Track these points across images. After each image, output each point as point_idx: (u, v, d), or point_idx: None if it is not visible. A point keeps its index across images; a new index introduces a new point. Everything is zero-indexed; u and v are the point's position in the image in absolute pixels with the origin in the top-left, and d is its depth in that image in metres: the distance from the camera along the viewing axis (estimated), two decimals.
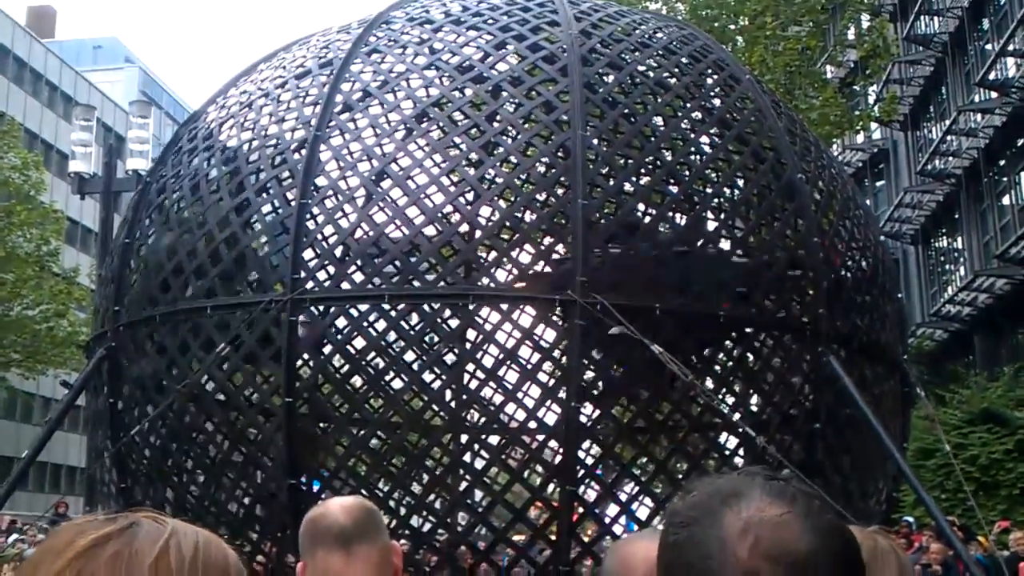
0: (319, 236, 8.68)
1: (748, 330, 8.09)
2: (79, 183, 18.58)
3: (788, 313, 8.22)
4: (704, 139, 9.09)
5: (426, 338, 11.09)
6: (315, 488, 8.26)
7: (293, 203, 7.47)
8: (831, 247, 8.04)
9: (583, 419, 8.67)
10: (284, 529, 7.37)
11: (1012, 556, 12.28)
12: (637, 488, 8.35)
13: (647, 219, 9.29)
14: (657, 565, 1.22)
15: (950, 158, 30.66)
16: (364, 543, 2.47)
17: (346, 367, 9.37)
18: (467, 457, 10.52)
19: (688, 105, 8.52)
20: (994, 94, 27.84)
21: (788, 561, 1.11)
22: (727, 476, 1.24)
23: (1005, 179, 28.94)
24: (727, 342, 8.92)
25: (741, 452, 8.45)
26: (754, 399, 8.82)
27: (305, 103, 8.38)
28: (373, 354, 10.14)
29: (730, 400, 8.46)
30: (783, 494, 1.18)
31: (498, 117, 8.97)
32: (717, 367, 9.42)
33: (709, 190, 9.58)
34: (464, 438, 10.60)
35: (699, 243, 8.29)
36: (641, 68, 8.43)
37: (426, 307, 9.20)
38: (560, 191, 9.31)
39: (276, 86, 8.65)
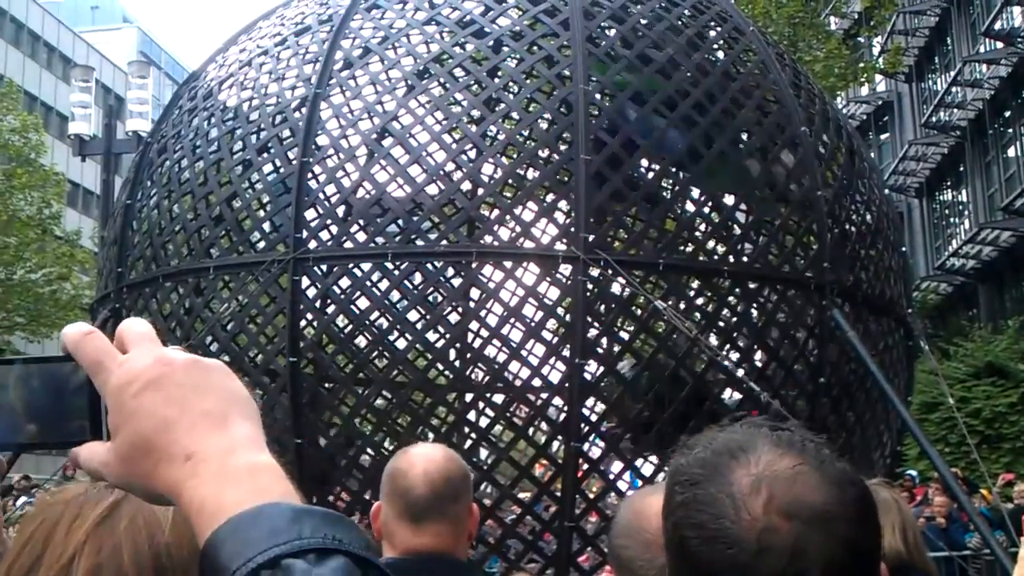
0: (321, 195, 8.63)
1: (752, 284, 8.06)
2: (79, 145, 18.50)
3: (792, 267, 8.19)
4: (708, 92, 8.99)
5: (430, 297, 11.07)
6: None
7: (294, 162, 7.42)
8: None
9: (587, 376, 8.68)
10: None
11: (1016, 508, 12.31)
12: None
13: (650, 175, 9.24)
14: (663, 525, 1.18)
15: (955, 110, 30.48)
16: (434, 518, 2.37)
17: (349, 327, 9.35)
18: (472, 415, 10.56)
19: (691, 58, 8.42)
20: (1000, 44, 27.59)
21: (805, 516, 1.06)
22: (730, 429, 1.19)
23: (1010, 131, 28.77)
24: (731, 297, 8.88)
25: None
26: (758, 354, 8.80)
27: (305, 60, 8.31)
28: (377, 313, 10.12)
29: (734, 355, 8.44)
30: (792, 445, 1.14)
31: (499, 72, 8.89)
32: (721, 322, 9.40)
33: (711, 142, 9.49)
34: (469, 396, 10.61)
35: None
36: (643, 21, 8.33)
37: (429, 266, 9.17)
38: (563, 147, 9.24)
39: (276, 44, 8.57)
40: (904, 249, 9.55)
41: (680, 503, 1.14)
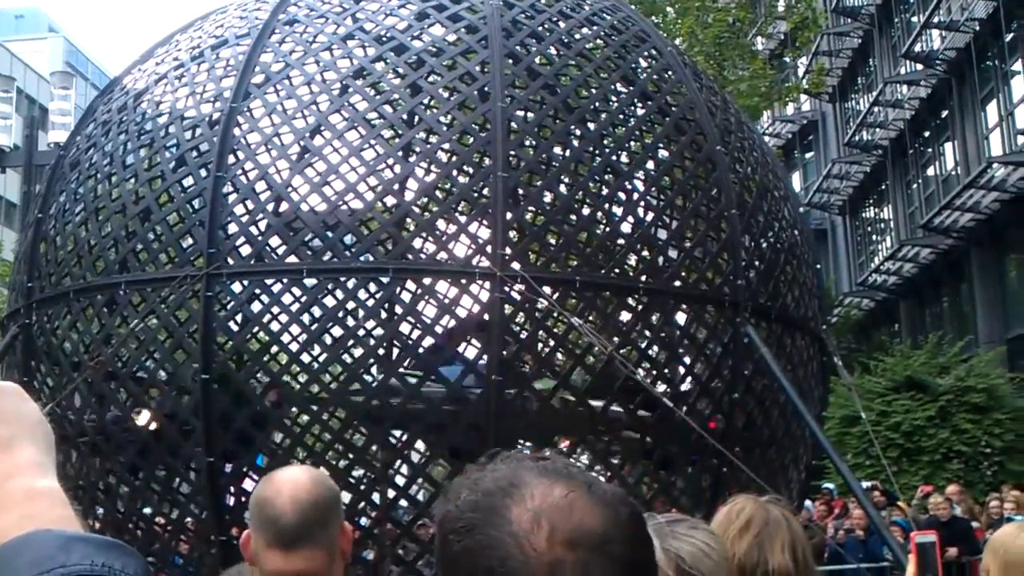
0: (241, 208, 8.56)
1: (669, 302, 8.14)
2: None
3: (708, 285, 8.30)
4: (626, 110, 9.11)
5: (358, 312, 10.99)
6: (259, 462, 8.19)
7: (208, 177, 7.35)
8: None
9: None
10: (203, 509, 7.29)
11: (931, 519, 12.57)
12: None
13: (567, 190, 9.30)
14: (442, 575, 1.15)
15: (877, 130, 31.12)
16: (306, 545, 2.31)
17: (266, 341, 9.25)
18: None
19: (607, 77, 8.51)
20: (919, 66, 28.26)
21: (587, 543, 1.07)
22: (492, 467, 1.17)
23: (930, 150, 29.46)
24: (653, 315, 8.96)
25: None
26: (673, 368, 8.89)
27: (221, 75, 8.23)
28: (298, 329, 10.03)
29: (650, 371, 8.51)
30: (558, 473, 1.14)
31: (420, 90, 8.89)
32: (645, 342, 9.46)
33: (629, 160, 9.59)
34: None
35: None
36: (564, 39, 8.41)
37: (351, 282, 9.11)
38: (487, 162, 9.28)
39: (193, 57, 8.48)
40: (819, 266, 9.72)
41: (461, 551, 1.10)
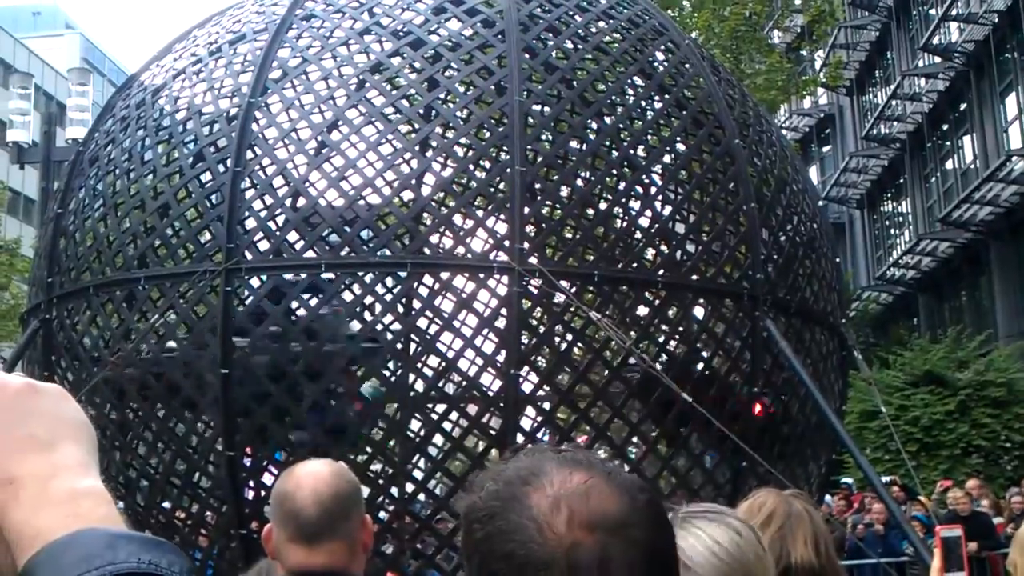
0: (254, 205, 8.56)
1: (687, 295, 8.12)
2: (17, 152, 18.25)
3: (726, 278, 8.27)
4: (643, 104, 9.09)
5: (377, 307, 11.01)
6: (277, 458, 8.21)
7: (227, 172, 7.36)
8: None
9: (527, 387, 8.69)
10: (223, 504, 7.31)
11: (950, 514, 12.51)
12: None
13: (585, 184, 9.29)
14: (467, 566, 1.18)
15: (895, 123, 30.98)
16: (328, 539, 2.33)
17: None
18: (414, 425, 10.51)
19: (624, 71, 8.48)
20: (937, 59, 28.11)
21: (605, 526, 1.10)
22: (514, 459, 1.21)
23: (948, 143, 29.30)
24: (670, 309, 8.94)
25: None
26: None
27: (239, 70, 8.25)
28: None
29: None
30: (578, 462, 1.17)
31: (438, 84, 8.89)
32: (663, 337, 9.45)
33: (646, 153, 9.57)
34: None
35: None
36: (581, 33, 8.40)
37: (368, 277, 9.12)
38: (504, 157, 9.28)
39: (210, 53, 8.50)
40: (838, 260, 9.67)
41: (483, 538, 1.14)
